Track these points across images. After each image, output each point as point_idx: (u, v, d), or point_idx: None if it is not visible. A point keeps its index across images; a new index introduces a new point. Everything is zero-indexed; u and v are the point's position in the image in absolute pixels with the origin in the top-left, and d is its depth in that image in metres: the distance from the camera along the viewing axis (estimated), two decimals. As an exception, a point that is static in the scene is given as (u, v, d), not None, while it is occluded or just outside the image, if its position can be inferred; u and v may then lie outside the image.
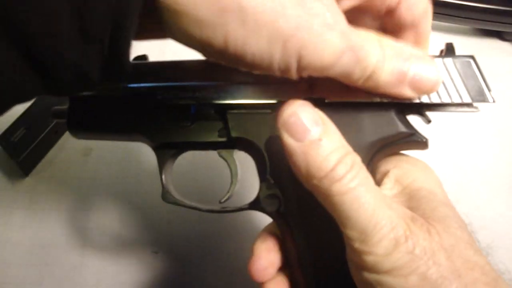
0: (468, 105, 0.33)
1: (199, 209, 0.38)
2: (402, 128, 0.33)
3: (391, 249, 0.26)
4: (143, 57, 0.38)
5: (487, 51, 0.73)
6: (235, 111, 0.34)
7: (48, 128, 0.55)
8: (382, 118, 0.32)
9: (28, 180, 0.54)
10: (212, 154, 0.39)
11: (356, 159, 0.28)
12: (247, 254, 0.50)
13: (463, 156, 0.40)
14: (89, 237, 0.50)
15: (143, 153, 0.57)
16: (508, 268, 0.30)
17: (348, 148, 0.28)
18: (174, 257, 0.50)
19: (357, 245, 0.26)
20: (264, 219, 0.52)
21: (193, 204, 0.38)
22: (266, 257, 0.33)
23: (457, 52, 0.34)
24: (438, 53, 0.34)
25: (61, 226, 0.51)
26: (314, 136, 0.27)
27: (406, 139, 0.33)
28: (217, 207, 0.38)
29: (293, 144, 0.27)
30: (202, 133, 0.36)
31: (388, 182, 0.32)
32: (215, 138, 0.36)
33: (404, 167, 0.33)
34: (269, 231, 0.36)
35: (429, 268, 0.25)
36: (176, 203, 0.37)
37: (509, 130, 0.56)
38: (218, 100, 0.34)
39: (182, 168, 0.42)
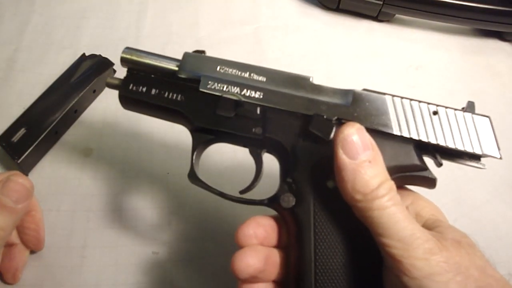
0: (477, 158, 0.36)
1: (220, 193, 0.39)
2: (417, 161, 0.36)
3: (428, 255, 0.28)
4: (202, 52, 0.41)
5: (487, 51, 0.73)
6: (275, 115, 0.38)
7: (48, 128, 0.55)
8: (401, 149, 0.36)
9: (28, 180, 0.54)
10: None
11: (393, 185, 0.32)
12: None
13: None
14: (89, 237, 0.50)
15: (144, 153, 0.57)
16: (510, 270, 0.30)
17: (387, 175, 0.32)
18: (174, 257, 0.50)
19: (396, 251, 0.29)
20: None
21: (216, 187, 0.39)
22: (254, 228, 0.36)
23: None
24: (460, 108, 0.37)
25: (61, 226, 0.51)
26: (365, 158, 0.31)
27: (419, 172, 0.36)
28: (236, 195, 0.39)
29: (346, 160, 0.31)
30: (241, 127, 0.38)
31: None
32: (250, 134, 0.38)
33: (421, 203, 0.37)
34: (272, 216, 0.38)
35: (467, 278, 0.28)
36: (200, 183, 0.39)
37: (508, 130, 0.56)
38: (264, 103, 0.38)
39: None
